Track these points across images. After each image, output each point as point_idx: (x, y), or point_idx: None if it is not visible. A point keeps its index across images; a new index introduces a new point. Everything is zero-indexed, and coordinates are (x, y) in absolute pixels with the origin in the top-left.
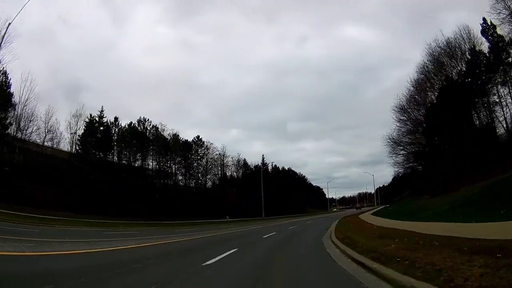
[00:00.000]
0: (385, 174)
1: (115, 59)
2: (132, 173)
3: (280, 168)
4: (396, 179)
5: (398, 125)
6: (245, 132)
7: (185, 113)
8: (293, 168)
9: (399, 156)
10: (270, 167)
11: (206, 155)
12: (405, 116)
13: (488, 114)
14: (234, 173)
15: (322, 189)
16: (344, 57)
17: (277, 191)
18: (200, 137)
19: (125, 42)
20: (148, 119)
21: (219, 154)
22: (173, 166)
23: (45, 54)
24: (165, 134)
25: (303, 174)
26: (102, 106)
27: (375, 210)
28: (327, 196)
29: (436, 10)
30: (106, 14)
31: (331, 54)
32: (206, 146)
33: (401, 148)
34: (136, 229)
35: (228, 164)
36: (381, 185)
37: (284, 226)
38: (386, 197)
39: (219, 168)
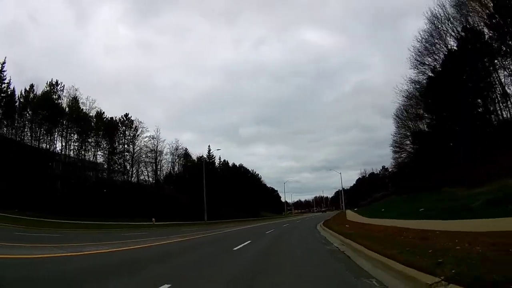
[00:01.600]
0: (344, 176)
1: (77, 59)
2: (31, 154)
3: (231, 164)
4: (361, 181)
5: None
6: (198, 135)
7: (141, 114)
8: (245, 165)
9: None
10: (218, 161)
11: (135, 137)
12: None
13: None
14: (171, 164)
15: (276, 191)
16: (302, 61)
17: (226, 190)
18: (129, 115)
19: (87, 42)
20: (62, 83)
21: (151, 137)
22: (92, 150)
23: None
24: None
25: (257, 173)
26: (5, 58)
27: (355, 213)
28: (283, 199)
29: (398, 16)
30: (70, 13)
31: (289, 57)
32: (135, 126)
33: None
34: None
35: (164, 152)
36: (339, 189)
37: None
38: (348, 200)
39: (153, 156)
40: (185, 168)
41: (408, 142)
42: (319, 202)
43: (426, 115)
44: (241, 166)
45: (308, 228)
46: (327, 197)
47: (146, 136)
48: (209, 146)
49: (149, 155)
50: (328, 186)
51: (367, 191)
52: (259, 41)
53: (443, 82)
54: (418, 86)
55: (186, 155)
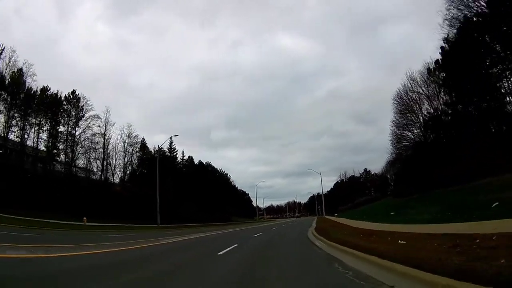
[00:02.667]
0: (314, 185)
1: (56, 55)
2: None
3: (197, 161)
4: (339, 184)
5: None
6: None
7: (114, 114)
8: (213, 164)
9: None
10: (181, 157)
11: (80, 119)
12: None
13: None
14: (123, 155)
15: (248, 194)
16: (277, 65)
17: (190, 190)
18: (76, 92)
19: (67, 38)
20: (2, 44)
21: (95, 116)
22: (28, 128)
23: None
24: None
25: (226, 173)
26: None
27: (344, 218)
28: (254, 203)
29: (377, 23)
30: (53, 7)
31: (264, 61)
32: (81, 106)
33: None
34: None
35: (115, 139)
36: (314, 194)
37: None
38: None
39: (99, 142)
40: (141, 161)
41: (408, 133)
42: (292, 208)
43: (442, 95)
44: (208, 164)
45: (298, 242)
46: (300, 202)
47: (90, 116)
48: (171, 137)
49: (95, 140)
50: (300, 192)
51: (347, 196)
52: (236, 43)
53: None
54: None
55: (143, 146)
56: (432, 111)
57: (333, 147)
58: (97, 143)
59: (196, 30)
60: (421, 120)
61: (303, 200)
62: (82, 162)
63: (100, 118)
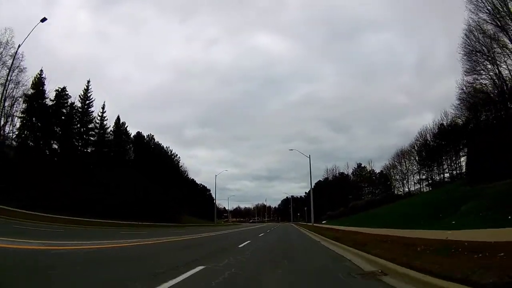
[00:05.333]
0: (283, 189)
1: (37, 43)
2: None
3: (134, 132)
4: (323, 184)
5: None
6: (141, 131)
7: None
8: (162, 143)
9: None
10: (99, 112)
11: None
12: None
13: None
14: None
15: (209, 191)
16: (252, 66)
17: (111, 166)
18: None
19: (49, 26)
20: None
21: None
22: None
23: None
24: None
25: (175, 153)
26: None
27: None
28: (215, 201)
29: (357, 31)
30: None
31: (239, 61)
32: None
33: None
34: None
35: None
36: (287, 196)
37: None
38: (301, 212)
39: None
40: (29, 103)
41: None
42: (262, 211)
43: None
44: (151, 138)
45: None
46: (269, 206)
47: None
48: (88, 81)
49: None
50: (270, 197)
51: (333, 198)
52: (211, 41)
53: None
54: None
55: (39, 83)
56: None
57: (305, 152)
58: None
59: (174, 26)
60: None
61: (273, 204)
62: None
63: None
